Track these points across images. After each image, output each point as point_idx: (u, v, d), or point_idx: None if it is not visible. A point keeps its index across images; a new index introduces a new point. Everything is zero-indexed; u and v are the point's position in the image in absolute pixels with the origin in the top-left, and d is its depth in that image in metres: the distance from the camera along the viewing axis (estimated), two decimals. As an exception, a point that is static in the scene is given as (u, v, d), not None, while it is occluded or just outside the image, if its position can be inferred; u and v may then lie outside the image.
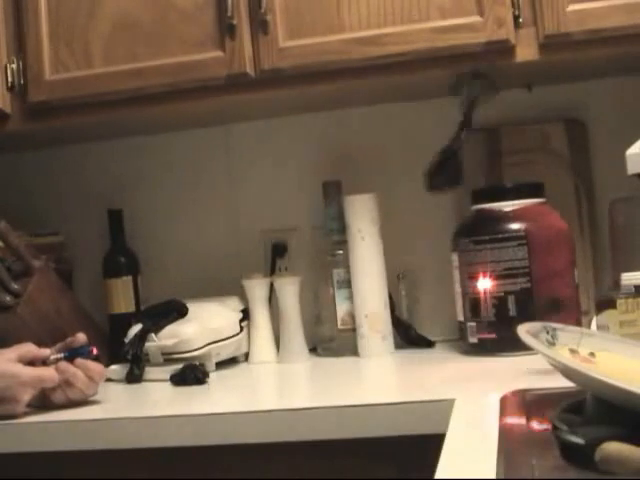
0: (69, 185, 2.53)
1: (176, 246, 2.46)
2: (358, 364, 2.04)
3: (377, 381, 1.94)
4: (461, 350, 2.01)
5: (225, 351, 2.12)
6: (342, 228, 2.13)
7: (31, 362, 1.74)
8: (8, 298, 2.07)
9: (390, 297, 2.12)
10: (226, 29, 1.98)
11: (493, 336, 1.93)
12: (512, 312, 1.91)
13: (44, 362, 1.75)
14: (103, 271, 2.37)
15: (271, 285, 2.19)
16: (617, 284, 1.76)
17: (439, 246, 2.18)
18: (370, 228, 2.07)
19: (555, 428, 1.10)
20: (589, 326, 1.83)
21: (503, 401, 1.41)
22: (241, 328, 2.17)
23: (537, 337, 1.26)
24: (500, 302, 1.92)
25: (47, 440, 1.68)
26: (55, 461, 1.69)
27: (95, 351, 1.78)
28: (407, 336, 2.16)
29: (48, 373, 1.72)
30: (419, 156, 2.29)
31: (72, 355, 1.76)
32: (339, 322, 2.13)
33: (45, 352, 1.77)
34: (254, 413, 1.61)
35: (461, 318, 1.99)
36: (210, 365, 2.05)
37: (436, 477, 1.02)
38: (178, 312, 2.09)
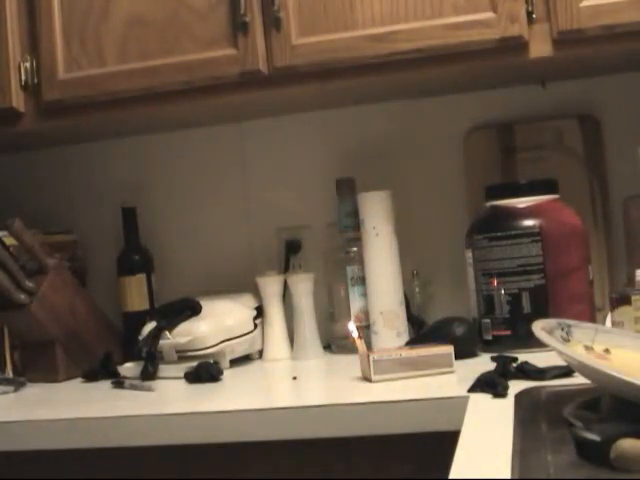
0: (83, 183, 2.54)
1: (190, 244, 2.46)
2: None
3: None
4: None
5: (239, 348, 2.12)
6: (356, 225, 2.13)
7: None
8: (22, 296, 2.08)
9: (404, 294, 2.11)
10: (239, 26, 1.98)
11: (508, 333, 1.93)
12: (526, 309, 1.91)
13: None
14: (117, 269, 2.37)
15: (285, 282, 2.19)
16: (632, 280, 1.76)
17: (453, 243, 2.18)
18: (384, 225, 2.06)
19: (570, 425, 1.09)
20: (604, 322, 1.83)
21: (518, 398, 1.40)
22: (255, 325, 2.17)
23: (552, 334, 1.26)
24: (514, 299, 1.92)
25: (58, 438, 1.68)
26: (64, 460, 1.70)
27: None
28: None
29: None
30: (433, 153, 2.30)
31: None
32: (353, 319, 2.12)
33: None
34: (268, 410, 1.61)
35: (475, 315, 1.99)
36: (224, 362, 2.05)
37: (451, 476, 1.01)
38: (192, 310, 2.09)
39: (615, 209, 2.15)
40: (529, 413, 1.29)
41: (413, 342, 1.98)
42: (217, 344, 2.06)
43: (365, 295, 2.11)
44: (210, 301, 2.13)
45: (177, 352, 2.05)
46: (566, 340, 1.29)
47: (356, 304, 2.15)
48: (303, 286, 2.15)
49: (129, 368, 2.06)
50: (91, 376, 2.10)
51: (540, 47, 1.87)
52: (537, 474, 0.97)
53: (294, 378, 1.92)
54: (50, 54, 2.10)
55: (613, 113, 2.19)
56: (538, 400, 1.37)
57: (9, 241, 2.13)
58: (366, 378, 1.76)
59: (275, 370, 2.10)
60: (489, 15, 1.86)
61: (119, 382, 1.98)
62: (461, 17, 1.88)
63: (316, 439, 1.58)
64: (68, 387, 2.08)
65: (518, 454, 1.05)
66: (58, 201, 2.55)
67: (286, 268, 2.29)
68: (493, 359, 1.75)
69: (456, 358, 1.76)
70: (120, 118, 2.18)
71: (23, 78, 2.13)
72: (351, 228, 2.17)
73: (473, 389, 1.52)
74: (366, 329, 2.08)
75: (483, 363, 1.77)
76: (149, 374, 2.00)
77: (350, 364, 1.90)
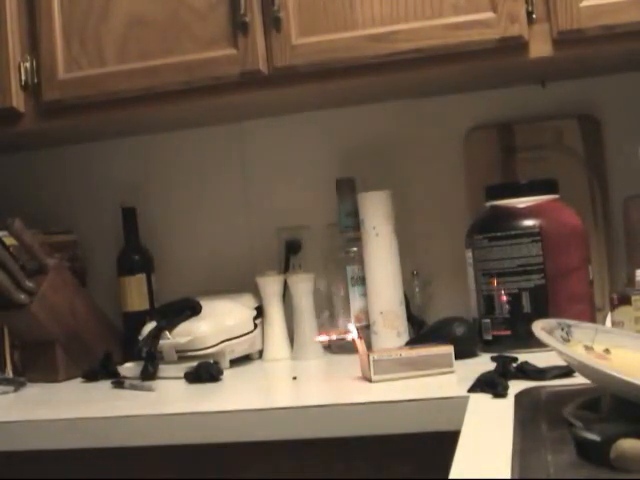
0: (83, 183, 2.54)
1: (190, 244, 2.46)
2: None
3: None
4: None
5: (239, 348, 2.12)
6: (356, 225, 2.12)
7: None
8: (22, 296, 2.08)
9: (404, 294, 2.11)
10: (239, 26, 1.98)
11: (508, 333, 1.93)
12: (526, 309, 1.91)
13: None
14: (117, 269, 2.37)
15: (285, 282, 2.19)
16: (632, 280, 1.76)
17: (453, 243, 2.18)
18: (384, 225, 2.06)
19: (570, 425, 1.09)
20: (604, 322, 1.83)
21: (518, 398, 1.40)
22: (255, 325, 2.17)
23: (552, 334, 1.26)
24: (514, 299, 1.92)
25: (58, 438, 1.68)
26: (64, 460, 1.70)
27: None
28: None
29: None
30: (433, 153, 2.30)
31: None
32: (353, 319, 2.12)
33: None
34: (268, 410, 1.61)
35: (475, 315, 1.99)
36: (224, 362, 2.05)
37: (451, 476, 1.01)
38: (192, 310, 2.09)
39: (615, 209, 2.15)
40: (529, 413, 1.29)
41: (413, 342, 1.98)
42: (217, 344, 2.06)
43: (365, 295, 2.11)
44: (210, 301, 2.13)
45: (177, 352, 2.05)
46: (566, 340, 1.29)
47: (356, 304, 2.15)
48: (303, 286, 2.15)
49: (129, 368, 2.06)
50: (91, 376, 2.10)
51: (540, 47, 1.87)
52: (537, 474, 0.97)
53: (294, 378, 1.92)
54: (50, 54, 2.10)
55: (613, 113, 2.19)
56: (538, 400, 1.37)
57: (9, 241, 2.13)
58: (366, 378, 1.76)
59: (275, 370, 2.10)
60: (489, 15, 1.86)
61: (119, 382, 1.98)
62: (461, 17, 1.88)
63: (316, 439, 1.58)
64: (68, 387, 2.08)
65: (518, 454, 1.05)
66: (58, 201, 2.55)
67: (286, 268, 2.29)
68: (493, 359, 1.75)
69: (456, 358, 1.76)
70: (120, 118, 2.18)
71: (23, 78, 2.13)
72: (351, 228, 2.17)
73: (473, 389, 1.52)
74: (366, 329, 2.08)
75: (483, 363, 1.77)
76: (149, 374, 2.00)
77: (350, 364, 1.90)
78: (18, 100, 2.13)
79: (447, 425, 1.46)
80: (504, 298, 1.93)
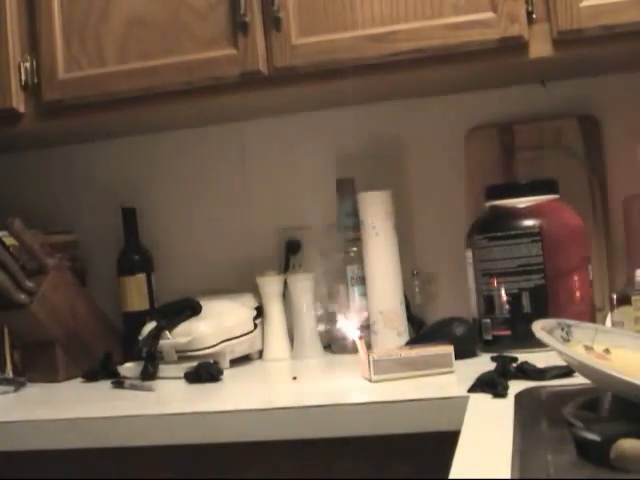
0: (83, 183, 2.54)
1: (190, 244, 2.46)
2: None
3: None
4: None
5: (239, 348, 2.12)
6: (356, 225, 2.12)
7: None
8: (22, 296, 2.08)
9: (404, 294, 2.11)
10: (239, 26, 1.97)
11: (508, 333, 1.93)
12: (526, 309, 1.91)
13: None
14: (117, 269, 2.37)
15: (285, 282, 2.19)
16: (632, 280, 1.76)
17: (454, 243, 2.18)
18: (384, 224, 2.06)
19: (570, 425, 1.09)
20: (604, 322, 1.83)
21: (518, 398, 1.40)
22: (255, 325, 2.17)
23: (552, 334, 1.26)
24: (514, 299, 1.92)
25: (58, 438, 1.68)
26: (64, 460, 1.70)
27: None
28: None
29: None
30: (433, 153, 2.30)
31: None
32: (353, 319, 2.12)
33: None
34: (268, 410, 1.61)
35: (475, 315, 1.99)
36: (224, 362, 2.05)
37: (451, 476, 1.01)
38: (192, 310, 2.09)
39: (615, 209, 2.15)
40: (529, 413, 1.29)
41: (413, 342, 1.98)
42: (217, 344, 2.06)
43: (365, 295, 2.11)
44: (210, 301, 2.13)
45: (177, 352, 2.05)
46: (566, 340, 1.29)
47: (356, 304, 2.15)
48: (303, 286, 2.15)
49: (129, 368, 2.06)
50: (91, 376, 2.10)
51: (540, 47, 1.86)
52: (537, 474, 0.97)
53: (294, 378, 1.92)
54: (50, 54, 2.10)
55: (613, 113, 2.19)
56: (538, 400, 1.37)
57: (9, 241, 2.13)
58: (366, 378, 1.76)
59: (275, 370, 2.10)
60: (489, 15, 1.86)
61: (119, 382, 1.98)
62: (461, 17, 1.88)
63: (316, 439, 1.58)
64: (68, 387, 2.08)
65: (518, 454, 1.05)
66: (58, 201, 2.55)
67: (286, 268, 2.29)
68: (493, 359, 1.75)
69: (456, 358, 1.76)
70: (120, 118, 2.18)
71: (23, 78, 2.12)
72: (351, 228, 2.17)
73: (473, 389, 1.52)
74: (366, 329, 2.08)
75: (483, 363, 1.77)
76: (149, 374, 2.00)
77: (350, 364, 1.90)
78: (18, 100, 2.13)
79: (447, 425, 1.46)
80: (504, 298, 1.93)
